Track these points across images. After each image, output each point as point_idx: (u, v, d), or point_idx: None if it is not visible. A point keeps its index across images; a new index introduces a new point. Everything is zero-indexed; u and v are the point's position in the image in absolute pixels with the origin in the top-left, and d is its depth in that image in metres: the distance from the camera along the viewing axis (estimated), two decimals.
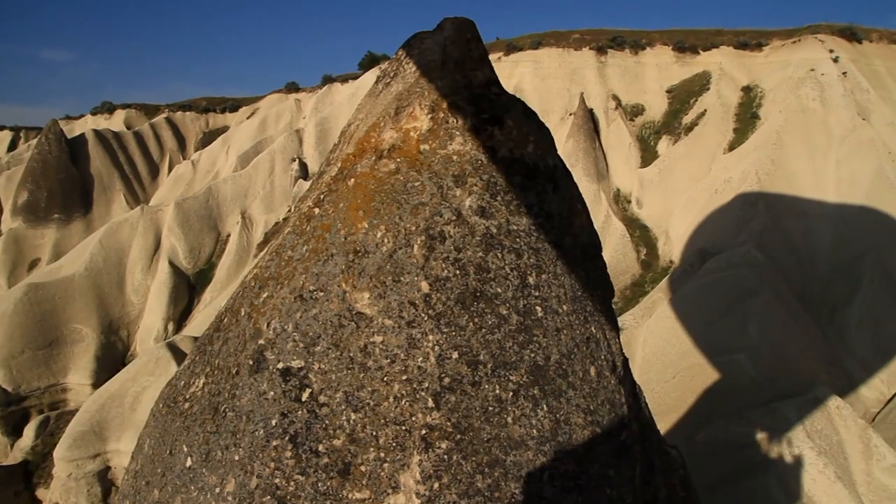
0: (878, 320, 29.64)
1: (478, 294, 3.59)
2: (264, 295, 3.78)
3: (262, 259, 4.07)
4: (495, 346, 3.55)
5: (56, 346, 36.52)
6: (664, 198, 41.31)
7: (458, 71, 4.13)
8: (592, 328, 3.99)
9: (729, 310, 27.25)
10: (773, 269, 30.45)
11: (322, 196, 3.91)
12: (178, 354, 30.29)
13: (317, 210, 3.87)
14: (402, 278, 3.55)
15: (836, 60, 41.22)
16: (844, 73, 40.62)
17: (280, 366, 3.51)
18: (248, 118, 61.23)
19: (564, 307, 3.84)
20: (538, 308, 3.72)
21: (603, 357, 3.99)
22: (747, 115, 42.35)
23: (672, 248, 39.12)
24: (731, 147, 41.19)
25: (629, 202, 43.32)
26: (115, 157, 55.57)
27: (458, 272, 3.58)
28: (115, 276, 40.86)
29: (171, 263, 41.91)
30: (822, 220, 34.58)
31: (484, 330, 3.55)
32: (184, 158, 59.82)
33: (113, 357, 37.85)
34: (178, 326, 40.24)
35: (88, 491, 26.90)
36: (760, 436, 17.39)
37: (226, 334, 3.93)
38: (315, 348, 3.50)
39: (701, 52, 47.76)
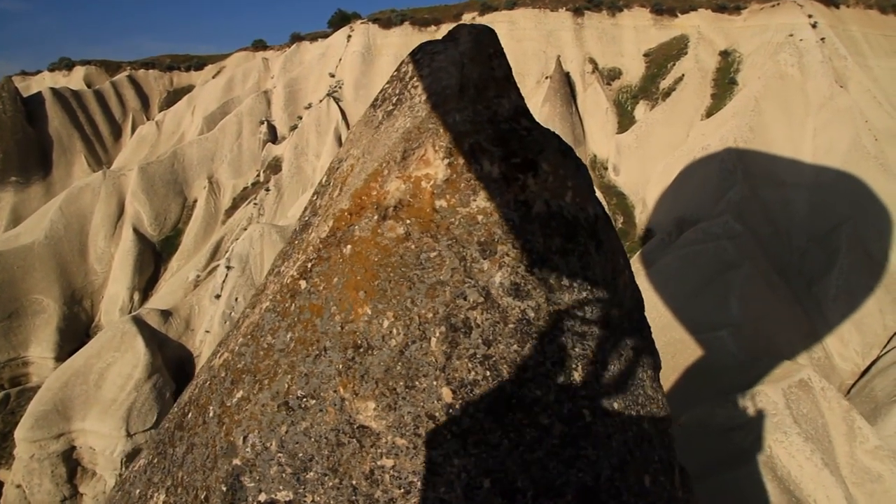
0: (853, 292, 29.57)
1: (513, 401, 2.82)
2: (238, 394, 2.97)
3: (234, 339, 3.24)
4: (536, 467, 2.79)
5: (16, 317, 35.13)
6: (641, 164, 40.73)
7: (480, 99, 3.30)
8: (645, 424, 3.25)
9: (710, 283, 26.91)
10: (752, 241, 30.12)
11: (310, 264, 3.07)
12: (145, 329, 29.29)
13: (303, 283, 3.04)
14: (416, 383, 2.77)
15: (814, 26, 40.59)
16: (823, 39, 40.06)
17: (262, 498, 2.72)
18: (213, 77, 59.05)
19: (615, 404, 3.09)
20: (585, 411, 2.97)
21: (657, 458, 3.26)
22: (725, 81, 41.70)
23: (650, 216, 38.67)
24: (709, 113, 40.61)
25: (606, 169, 42.67)
26: (75, 116, 53.22)
27: (488, 373, 2.80)
28: (76, 243, 39.31)
29: (136, 230, 40.43)
30: (799, 189, 34.30)
31: (522, 448, 2.79)
32: (147, 119, 57.60)
33: (76, 329, 36.57)
34: (145, 296, 39.00)
35: (52, 472, 26.01)
36: (747, 420, 17.08)
37: (191, 437, 3.12)
38: (307, 475, 2.72)
39: (679, 14, 46.80)
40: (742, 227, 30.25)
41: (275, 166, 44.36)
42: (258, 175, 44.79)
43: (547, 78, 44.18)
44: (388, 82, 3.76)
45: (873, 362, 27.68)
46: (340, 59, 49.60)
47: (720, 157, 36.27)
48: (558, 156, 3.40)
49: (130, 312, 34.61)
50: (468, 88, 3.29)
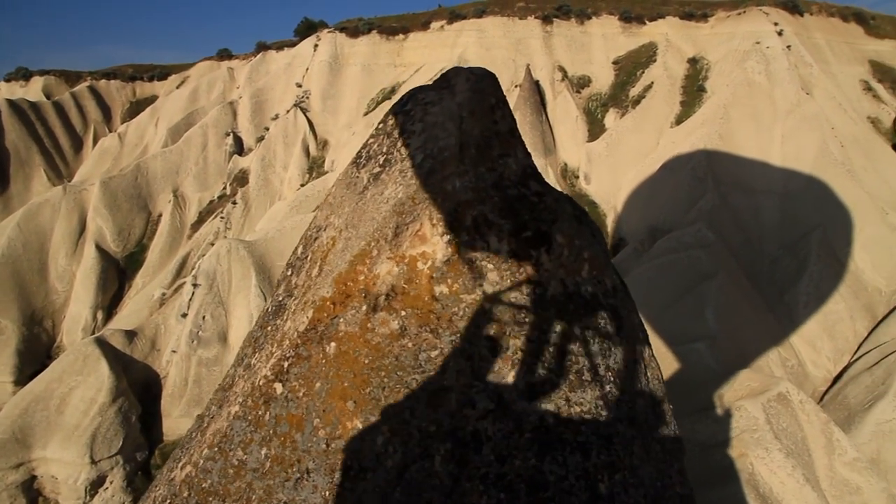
0: (823, 298, 29.69)
1: None
2: None
3: (198, 448, 2.74)
4: None
5: None
6: (612, 173, 40.71)
7: (483, 160, 2.86)
8: None
9: (685, 294, 26.80)
10: (725, 249, 30.14)
11: (286, 363, 2.60)
12: (109, 350, 28.31)
13: (279, 387, 2.57)
14: None
15: (780, 34, 40.98)
16: (789, 47, 40.45)
17: None
18: (177, 87, 57.94)
19: None
20: None
21: None
22: (694, 88, 41.89)
23: (621, 224, 38.63)
24: (679, 120, 40.73)
25: (577, 177, 42.59)
26: (34, 129, 51.69)
27: (503, 496, 2.36)
28: (36, 261, 38.02)
29: (98, 247, 39.25)
30: (769, 196, 34.47)
31: None
32: (109, 131, 56.25)
33: (37, 351, 35.31)
34: (109, 314, 37.88)
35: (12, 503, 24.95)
36: (728, 437, 16.86)
37: None
38: None
39: (647, 21, 47.00)
40: (714, 235, 30.25)
41: (241, 179, 43.53)
42: (224, 188, 43.91)
43: (517, 86, 43.98)
44: (372, 136, 3.29)
45: (845, 369, 27.79)
46: (307, 69, 48.97)
47: (691, 164, 36.36)
48: (573, 224, 2.98)
49: (94, 332, 33.59)
50: (469, 148, 2.85)
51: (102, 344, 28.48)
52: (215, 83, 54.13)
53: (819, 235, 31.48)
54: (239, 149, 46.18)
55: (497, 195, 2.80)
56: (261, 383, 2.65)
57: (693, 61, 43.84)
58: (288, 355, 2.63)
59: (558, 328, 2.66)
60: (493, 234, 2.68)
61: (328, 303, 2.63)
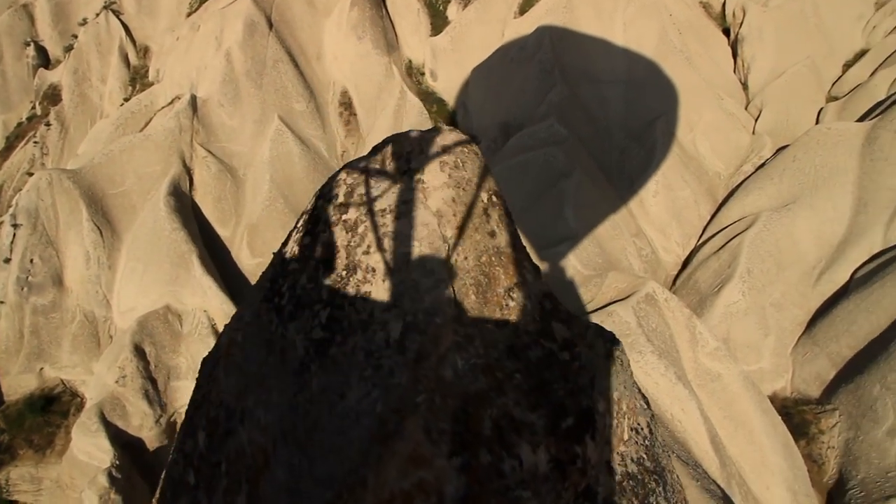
0: (670, 186, 30.89)
1: None
2: None
3: None
4: None
5: None
6: (459, 68, 39.60)
7: (487, 306, 1.90)
8: None
9: (543, 194, 26.90)
10: (578, 144, 30.41)
11: None
12: None
13: None
14: None
15: None
16: None
17: None
18: None
19: None
20: None
21: None
22: None
23: (472, 121, 38.02)
24: (522, 10, 39.81)
25: (423, 74, 41.13)
26: None
27: None
28: None
29: None
30: (614, 85, 34.88)
31: None
32: None
33: None
34: None
35: None
36: None
37: None
38: None
39: None
40: (566, 130, 30.35)
41: (52, 96, 38.51)
42: (33, 107, 38.77)
43: None
44: (292, 258, 2.16)
45: (693, 252, 29.42)
46: None
47: (538, 57, 35.92)
48: (607, 370, 2.08)
49: None
50: (466, 294, 1.84)
51: None
52: None
53: (663, 124, 32.38)
54: (44, 61, 40.67)
55: (517, 366, 1.86)
56: None
57: None
58: None
59: None
60: (525, 441, 1.76)
61: None
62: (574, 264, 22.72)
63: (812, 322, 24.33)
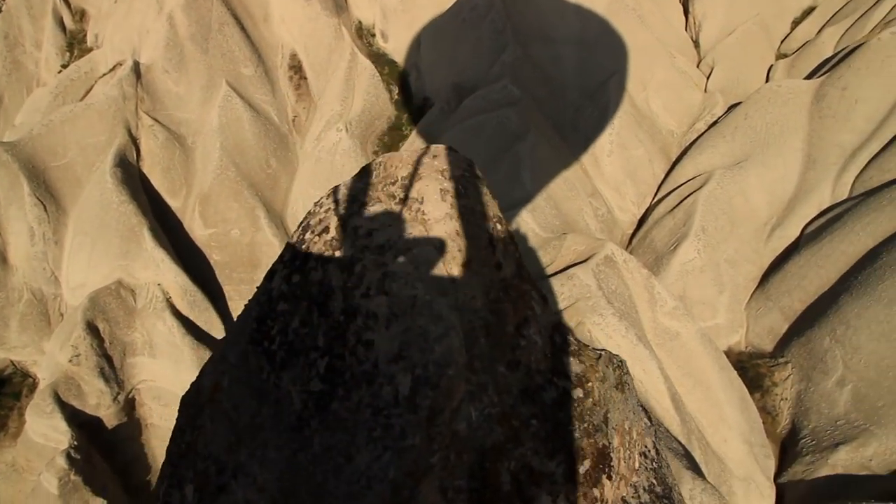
0: (625, 145, 31.01)
1: None
2: None
3: None
4: None
5: None
6: (410, 28, 38.85)
7: (499, 348, 1.75)
8: None
9: (499, 157, 26.77)
10: (532, 105, 30.25)
11: None
12: None
13: None
14: None
15: None
16: None
17: None
18: None
19: None
20: None
21: None
22: None
23: (424, 83, 37.50)
24: None
25: (374, 35, 40.25)
26: None
27: None
28: None
29: None
30: (567, 45, 34.66)
31: None
32: None
33: None
34: None
35: None
36: (564, 307, 17.37)
37: None
38: None
39: None
40: (520, 91, 30.15)
41: None
42: None
43: None
44: (279, 282, 1.97)
45: (648, 211, 29.73)
46: None
47: (490, 16, 35.42)
48: (620, 401, 1.98)
49: None
50: (477, 338, 1.70)
51: None
52: None
53: (616, 82, 32.35)
54: None
55: (532, 411, 1.75)
56: None
57: None
58: None
59: None
60: (545, 492, 1.65)
61: None
62: (532, 227, 22.75)
63: (765, 277, 24.90)
